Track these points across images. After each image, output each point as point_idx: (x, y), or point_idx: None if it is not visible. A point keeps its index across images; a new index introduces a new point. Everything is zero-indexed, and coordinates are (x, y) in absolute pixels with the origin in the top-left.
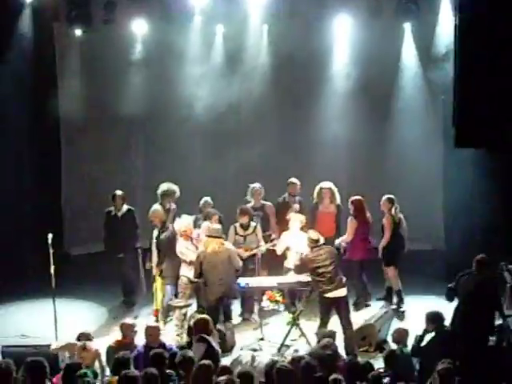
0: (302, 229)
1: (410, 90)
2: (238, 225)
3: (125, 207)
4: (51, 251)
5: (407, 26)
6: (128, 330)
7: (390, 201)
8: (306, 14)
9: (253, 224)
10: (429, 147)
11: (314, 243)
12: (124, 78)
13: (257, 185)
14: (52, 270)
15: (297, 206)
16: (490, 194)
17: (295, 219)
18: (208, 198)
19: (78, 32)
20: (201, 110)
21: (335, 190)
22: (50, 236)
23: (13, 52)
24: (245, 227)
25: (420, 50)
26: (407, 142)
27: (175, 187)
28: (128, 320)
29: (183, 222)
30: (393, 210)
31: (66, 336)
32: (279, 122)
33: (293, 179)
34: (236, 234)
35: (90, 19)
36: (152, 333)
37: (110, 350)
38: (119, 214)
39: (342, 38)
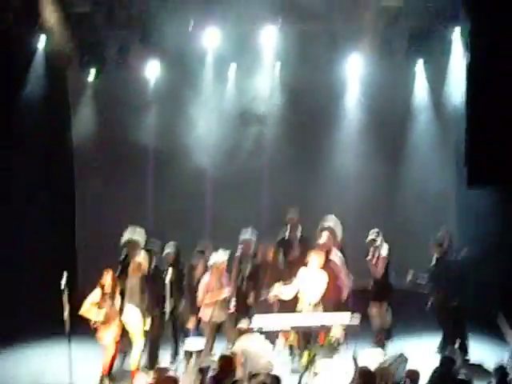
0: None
1: (421, 129)
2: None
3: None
4: (66, 293)
5: (419, 66)
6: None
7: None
8: (318, 55)
9: None
10: (443, 187)
11: None
12: (137, 120)
13: (247, 234)
14: (66, 312)
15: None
16: (504, 230)
17: (315, 256)
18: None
19: (91, 76)
20: (213, 151)
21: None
22: (65, 276)
23: (26, 96)
24: None
25: (433, 89)
26: (421, 181)
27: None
28: (163, 365)
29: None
30: None
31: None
32: (292, 161)
33: (290, 214)
34: None
35: (103, 63)
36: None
37: None
38: None
39: (354, 78)
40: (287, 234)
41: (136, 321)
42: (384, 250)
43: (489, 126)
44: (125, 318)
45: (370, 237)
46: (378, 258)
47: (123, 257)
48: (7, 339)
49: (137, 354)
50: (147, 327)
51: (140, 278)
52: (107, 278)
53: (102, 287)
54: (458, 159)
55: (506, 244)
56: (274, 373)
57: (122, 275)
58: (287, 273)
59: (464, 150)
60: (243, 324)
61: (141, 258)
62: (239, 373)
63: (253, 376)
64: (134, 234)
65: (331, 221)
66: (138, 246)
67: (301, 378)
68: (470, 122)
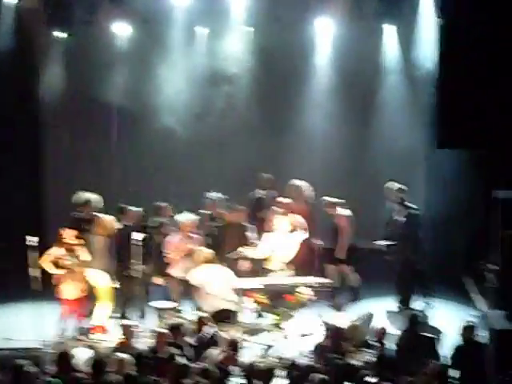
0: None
1: (391, 90)
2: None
3: None
4: (36, 254)
5: (390, 28)
6: (130, 331)
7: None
8: (288, 16)
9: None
10: (412, 147)
11: None
12: (106, 79)
13: (213, 194)
14: (37, 273)
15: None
16: (470, 192)
17: (284, 220)
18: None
19: (60, 34)
20: (182, 112)
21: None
22: (35, 239)
23: None
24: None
25: (402, 50)
26: (388, 142)
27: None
28: (126, 321)
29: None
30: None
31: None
32: (261, 123)
33: (265, 175)
34: None
35: (72, 21)
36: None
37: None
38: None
39: (324, 40)
40: (263, 192)
41: (99, 279)
42: (346, 211)
43: (458, 89)
44: (89, 275)
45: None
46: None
47: (82, 215)
48: None
49: (99, 311)
50: (115, 285)
51: (106, 237)
52: (68, 233)
53: (63, 244)
54: (427, 121)
55: (472, 206)
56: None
57: (85, 233)
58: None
59: (433, 113)
60: None
61: (107, 217)
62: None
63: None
64: (92, 195)
65: (297, 182)
66: (97, 206)
67: (269, 339)
68: (440, 85)
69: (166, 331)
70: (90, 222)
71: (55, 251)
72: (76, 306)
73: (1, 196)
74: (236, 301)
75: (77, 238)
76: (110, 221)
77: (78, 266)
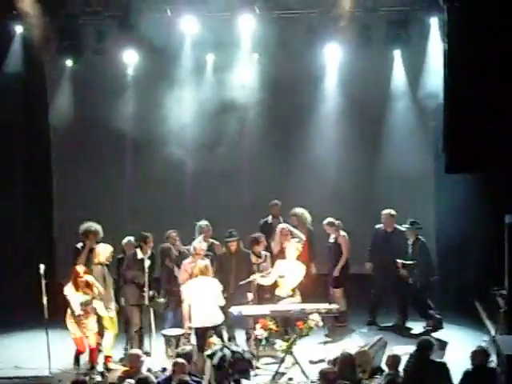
0: (297, 257)
1: (400, 115)
2: (251, 253)
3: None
4: (44, 282)
5: (397, 53)
6: (135, 360)
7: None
8: (296, 43)
9: (263, 253)
10: (420, 172)
11: None
12: (115, 107)
13: (203, 222)
14: (45, 301)
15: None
16: (481, 216)
17: (292, 247)
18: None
19: (69, 63)
20: (190, 138)
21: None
22: (43, 267)
23: (4, 83)
24: (258, 255)
25: (410, 76)
26: (399, 167)
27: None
28: (135, 350)
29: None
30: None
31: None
32: (270, 149)
33: (275, 201)
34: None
35: (81, 50)
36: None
37: (117, 381)
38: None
39: (332, 66)
40: (270, 219)
41: (103, 308)
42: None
43: (466, 112)
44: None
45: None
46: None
47: (82, 245)
48: None
49: (106, 341)
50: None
51: (102, 266)
52: (82, 270)
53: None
54: (436, 146)
55: (481, 230)
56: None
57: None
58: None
59: (442, 137)
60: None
61: (101, 246)
62: None
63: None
64: (93, 225)
65: (299, 210)
66: (97, 236)
67: (279, 366)
68: (448, 109)
69: (183, 361)
70: (91, 252)
71: (79, 297)
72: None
73: (8, 222)
74: (219, 316)
75: (85, 272)
76: (107, 249)
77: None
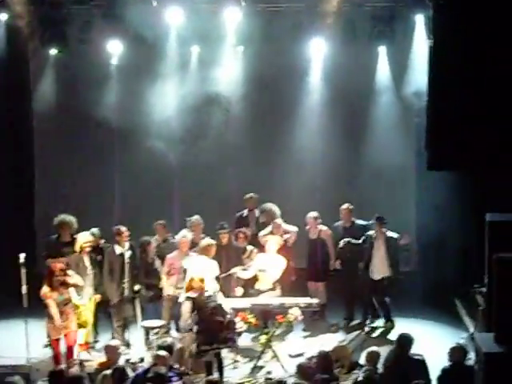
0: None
1: (383, 111)
2: (254, 249)
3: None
4: (23, 271)
5: (382, 49)
6: (113, 352)
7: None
8: (281, 37)
9: (249, 248)
10: (402, 168)
11: None
12: (99, 96)
13: (195, 217)
14: (24, 290)
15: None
16: (462, 214)
17: (272, 241)
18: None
19: (53, 51)
20: (174, 130)
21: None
22: (23, 255)
23: None
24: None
25: (394, 72)
26: (381, 162)
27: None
28: (113, 342)
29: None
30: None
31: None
32: (254, 143)
33: (251, 194)
34: None
35: (65, 39)
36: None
37: (94, 372)
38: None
39: (317, 61)
40: (245, 212)
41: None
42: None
43: (450, 109)
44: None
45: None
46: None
47: (56, 237)
48: None
49: (79, 338)
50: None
51: (79, 254)
52: (58, 267)
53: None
54: (418, 142)
55: (462, 228)
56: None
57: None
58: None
59: (425, 134)
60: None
61: (79, 235)
62: None
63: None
64: (66, 217)
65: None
66: (71, 227)
67: (258, 359)
68: (432, 106)
69: (165, 353)
70: (68, 244)
71: (56, 297)
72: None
73: None
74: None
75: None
76: (83, 237)
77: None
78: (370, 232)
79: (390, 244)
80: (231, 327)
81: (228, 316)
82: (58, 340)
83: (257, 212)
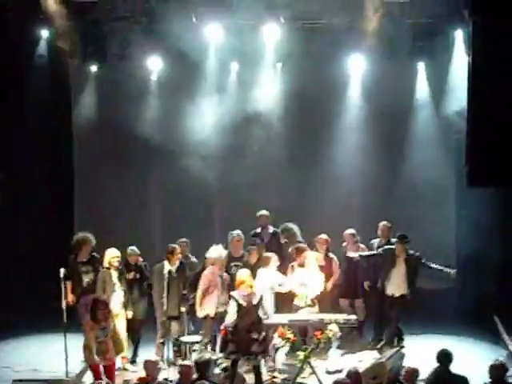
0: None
1: (422, 127)
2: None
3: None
4: (63, 285)
5: (421, 65)
6: (152, 368)
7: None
8: (320, 53)
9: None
10: (441, 185)
11: None
12: (138, 112)
13: (237, 232)
14: (63, 305)
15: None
16: (502, 231)
17: (311, 257)
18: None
19: (94, 68)
20: (214, 147)
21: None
22: (63, 270)
23: (28, 87)
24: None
25: (433, 88)
26: (419, 179)
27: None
28: (152, 357)
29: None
30: None
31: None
32: (293, 159)
33: (263, 211)
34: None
35: (106, 55)
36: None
37: None
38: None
39: (355, 77)
40: (259, 229)
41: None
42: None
43: (490, 125)
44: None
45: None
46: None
47: (73, 256)
48: (5, 330)
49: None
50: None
51: (107, 271)
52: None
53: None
54: (458, 159)
55: (502, 245)
56: None
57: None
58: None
59: (465, 150)
60: None
61: (108, 251)
62: None
63: None
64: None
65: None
66: (89, 245)
67: (296, 376)
68: (472, 122)
69: (189, 364)
70: (85, 263)
71: (95, 331)
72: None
73: (29, 231)
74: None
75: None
76: (110, 253)
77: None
78: (388, 247)
79: (411, 263)
80: (264, 343)
81: (263, 333)
82: (97, 366)
83: (270, 229)
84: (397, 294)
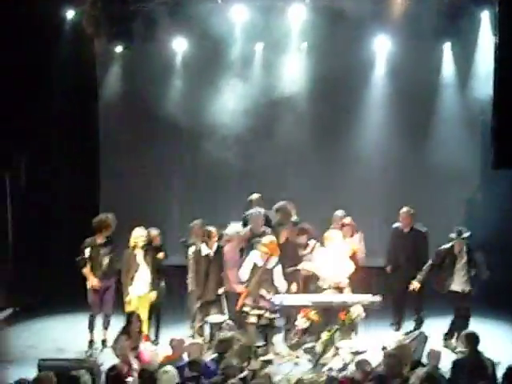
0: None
1: (448, 109)
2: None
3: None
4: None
5: (447, 46)
6: (179, 346)
7: None
8: (345, 34)
9: (312, 242)
10: (467, 167)
11: None
12: (163, 94)
13: (256, 210)
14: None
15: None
16: None
17: (334, 236)
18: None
19: (119, 48)
20: (237, 128)
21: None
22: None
23: (54, 67)
24: (303, 246)
25: (459, 69)
26: (445, 161)
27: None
28: (179, 336)
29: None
30: None
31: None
32: (318, 140)
33: (254, 195)
34: None
35: (131, 36)
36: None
37: (158, 366)
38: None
39: (381, 58)
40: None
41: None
42: None
43: None
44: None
45: None
46: None
47: (93, 238)
48: (32, 310)
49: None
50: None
51: (133, 250)
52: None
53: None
54: (483, 140)
55: None
56: None
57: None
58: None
59: (490, 132)
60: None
61: (134, 230)
62: None
63: None
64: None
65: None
66: (111, 226)
67: (319, 356)
68: (497, 104)
69: (199, 341)
70: (103, 245)
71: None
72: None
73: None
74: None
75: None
76: (135, 233)
77: None
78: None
79: (470, 258)
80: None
81: (271, 294)
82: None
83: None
84: (460, 291)
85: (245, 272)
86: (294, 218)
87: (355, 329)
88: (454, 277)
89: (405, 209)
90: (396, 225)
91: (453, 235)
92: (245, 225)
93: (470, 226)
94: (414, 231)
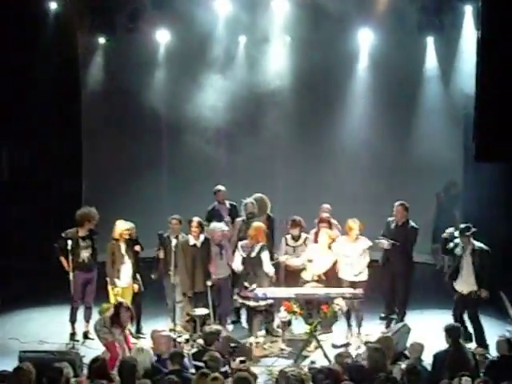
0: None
1: (430, 102)
2: (289, 236)
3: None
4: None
5: (430, 40)
6: (159, 338)
7: None
8: (328, 27)
9: (303, 235)
10: (449, 160)
11: None
12: (146, 85)
13: (249, 200)
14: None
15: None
16: (508, 206)
17: (324, 233)
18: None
19: (102, 40)
20: (220, 120)
21: None
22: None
23: (37, 58)
24: (295, 238)
25: (442, 63)
26: (427, 155)
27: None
28: (159, 329)
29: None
30: None
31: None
32: (301, 132)
33: (219, 186)
34: (287, 244)
35: (114, 28)
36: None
37: None
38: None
39: (364, 51)
40: (216, 205)
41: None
42: None
43: (499, 101)
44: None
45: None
46: None
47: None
48: (14, 302)
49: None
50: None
51: (116, 242)
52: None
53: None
54: (465, 134)
55: (508, 220)
56: None
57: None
58: None
59: (473, 125)
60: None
61: (117, 223)
62: None
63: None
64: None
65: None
66: (94, 219)
67: (302, 349)
68: (480, 97)
69: (169, 334)
70: (85, 238)
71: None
72: None
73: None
74: None
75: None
76: (119, 225)
77: None
78: (454, 243)
79: (477, 255)
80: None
81: (254, 286)
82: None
83: (227, 204)
84: (465, 292)
85: (237, 263)
86: (269, 211)
87: (336, 322)
88: (458, 276)
89: (398, 202)
90: (390, 218)
91: (456, 233)
92: (208, 220)
93: (451, 219)
94: (407, 225)
